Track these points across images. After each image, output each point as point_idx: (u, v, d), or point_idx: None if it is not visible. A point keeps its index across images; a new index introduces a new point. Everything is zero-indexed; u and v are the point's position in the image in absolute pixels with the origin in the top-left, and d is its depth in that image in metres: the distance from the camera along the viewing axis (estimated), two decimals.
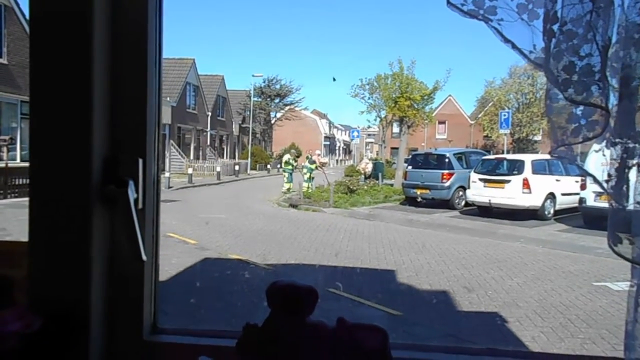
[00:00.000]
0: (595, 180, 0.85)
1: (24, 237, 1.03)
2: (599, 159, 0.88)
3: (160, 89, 1.09)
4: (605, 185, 0.83)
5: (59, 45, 0.95)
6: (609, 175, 0.82)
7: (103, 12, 0.97)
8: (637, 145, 0.79)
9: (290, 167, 18.95)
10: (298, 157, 20.09)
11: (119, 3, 1.00)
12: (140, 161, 1.00)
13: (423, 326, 4.94)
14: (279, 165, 32.72)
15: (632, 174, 0.81)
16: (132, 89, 1.02)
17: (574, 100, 0.78)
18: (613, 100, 0.81)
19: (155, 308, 1.09)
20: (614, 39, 0.80)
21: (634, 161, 0.80)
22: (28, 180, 0.98)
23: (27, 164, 1.00)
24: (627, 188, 0.82)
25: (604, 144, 0.84)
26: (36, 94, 0.96)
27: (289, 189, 18.04)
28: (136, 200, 0.98)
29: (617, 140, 0.80)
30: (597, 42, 0.77)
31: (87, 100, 0.94)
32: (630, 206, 0.83)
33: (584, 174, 0.89)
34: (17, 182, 13.46)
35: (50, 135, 0.95)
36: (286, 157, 19.72)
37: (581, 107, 0.81)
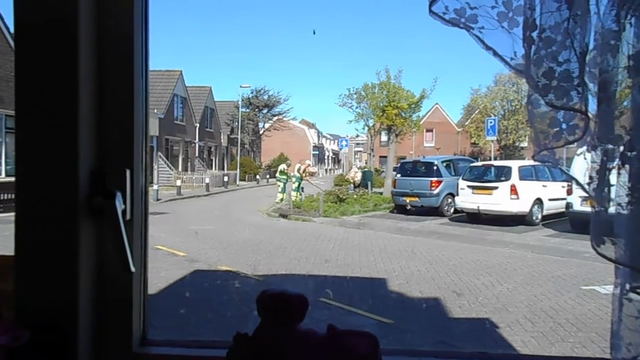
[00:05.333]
0: (578, 183, 0.87)
1: (7, 253, 1.02)
2: (584, 164, 0.90)
3: (147, 100, 1.10)
4: (587, 187, 0.85)
5: (45, 57, 0.95)
6: (591, 177, 0.84)
7: (89, 24, 0.97)
8: (616, 148, 0.81)
9: (285, 177, 18.93)
10: (288, 166, 20.08)
11: (104, 15, 1.00)
12: (128, 172, 1.00)
13: (414, 333, 4.94)
14: (267, 176, 32.68)
15: (613, 177, 0.83)
16: (118, 100, 1.02)
17: (554, 105, 0.80)
18: (592, 105, 0.83)
19: (145, 319, 1.08)
20: (591, 46, 0.82)
21: (614, 164, 0.82)
22: (13, 195, 0.97)
23: (12, 179, 0.99)
24: (609, 190, 0.84)
25: (585, 147, 0.87)
26: (22, 106, 0.96)
27: (282, 199, 18.00)
28: (124, 212, 0.98)
29: (597, 143, 0.82)
30: (575, 48, 0.79)
31: (74, 112, 0.94)
32: (612, 208, 0.84)
33: (567, 176, 0.91)
34: (2, 198, 13.25)
35: (37, 147, 0.94)
36: (281, 166, 19.70)
37: (562, 112, 0.83)
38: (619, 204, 0.83)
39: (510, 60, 0.85)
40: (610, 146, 0.81)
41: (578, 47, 0.79)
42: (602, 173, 0.82)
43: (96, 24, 0.99)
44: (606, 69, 0.80)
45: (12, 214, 0.97)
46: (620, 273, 0.85)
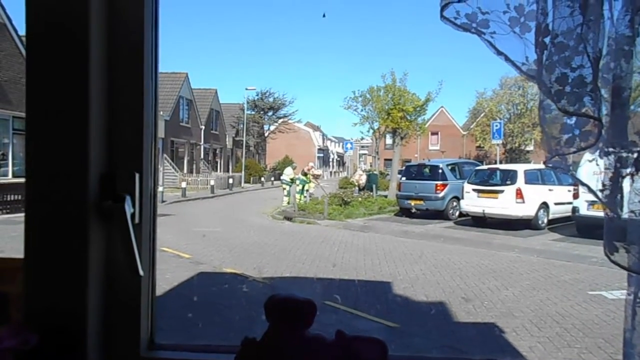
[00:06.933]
0: (590, 190, 0.86)
1: (15, 254, 1.02)
2: (591, 169, 0.89)
3: (157, 103, 1.10)
4: (599, 194, 0.84)
5: (56, 61, 0.95)
6: (603, 184, 0.83)
7: (99, 28, 0.98)
8: (630, 154, 0.81)
9: (291, 180, 18.93)
10: (294, 169, 20.08)
11: (115, 18, 1.01)
12: (137, 176, 1.00)
13: (420, 337, 4.92)
14: (272, 178, 32.71)
15: (626, 183, 0.82)
16: (128, 103, 1.02)
17: (567, 111, 0.80)
18: (605, 110, 0.83)
19: (153, 323, 1.08)
20: (604, 51, 0.81)
21: (627, 170, 0.81)
22: (21, 197, 0.97)
23: (19, 180, 1.00)
24: (622, 197, 0.83)
25: (597, 153, 0.86)
26: (33, 109, 0.96)
27: (288, 202, 18.00)
28: (133, 215, 0.98)
29: (610, 149, 0.81)
30: (588, 53, 0.78)
31: (84, 116, 0.95)
32: (625, 215, 0.83)
33: (579, 183, 0.90)
34: (9, 199, 13.33)
35: (47, 151, 0.95)
36: (287, 170, 19.68)
37: (574, 118, 0.82)
38: (632, 211, 0.82)
39: (521, 65, 0.85)
40: (623, 152, 0.80)
41: (591, 53, 0.78)
42: (615, 180, 0.81)
43: (107, 27, 1.00)
44: (620, 74, 0.80)
45: (19, 214, 0.97)
46: (634, 280, 0.84)
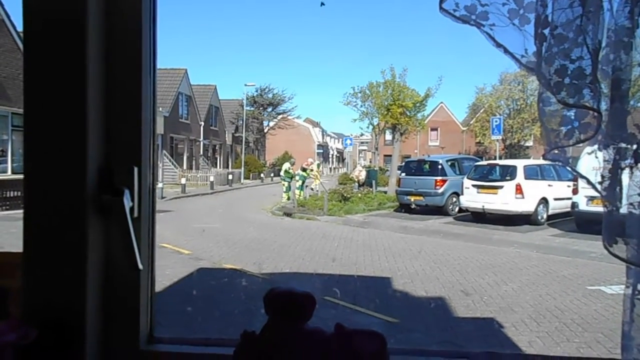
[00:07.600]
0: (589, 183, 0.86)
1: (14, 250, 1.02)
2: (590, 163, 0.89)
3: (155, 97, 1.09)
4: (598, 187, 0.84)
5: (53, 56, 0.95)
6: (602, 177, 0.83)
7: (97, 23, 0.97)
8: (629, 146, 0.80)
9: (289, 176, 18.90)
10: (292, 165, 20.06)
11: (113, 12, 1.00)
12: (136, 170, 1.00)
13: (420, 333, 4.93)
14: (272, 174, 32.70)
15: (625, 176, 0.82)
16: (126, 97, 1.02)
17: (567, 103, 0.79)
18: (604, 102, 0.82)
19: (152, 317, 1.08)
20: (604, 43, 0.81)
21: (626, 162, 0.81)
22: (21, 193, 0.97)
23: (18, 177, 0.99)
24: (620, 189, 0.83)
25: (596, 146, 0.85)
26: (30, 104, 0.96)
27: (288, 198, 17.99)
28: (132, 209, 0.98)
29: (609, 142, 0.81)
30: (587, 45, 0.78)
31: (82, 110, 0.94)
32: (624, 208, 0.83)
33: (578, 176, 0.89)
34: (8, 195, 13.32)
35: (45, 145, 0.94)
36: (286, 165, 19.63)
37: (573, 110, 0.82)
38: (631, 204, 0.82)
39: (521, 57, 0.84)
40: (623, 145, 0.80)
41: (591, 45, 0.78)
42: (614, 172, 0.81)
43: (105, 22, 0.99)
44: (619, 66, 0.79)
45: (19, 211, 0.97)
46: (632, 273, 0.84)
